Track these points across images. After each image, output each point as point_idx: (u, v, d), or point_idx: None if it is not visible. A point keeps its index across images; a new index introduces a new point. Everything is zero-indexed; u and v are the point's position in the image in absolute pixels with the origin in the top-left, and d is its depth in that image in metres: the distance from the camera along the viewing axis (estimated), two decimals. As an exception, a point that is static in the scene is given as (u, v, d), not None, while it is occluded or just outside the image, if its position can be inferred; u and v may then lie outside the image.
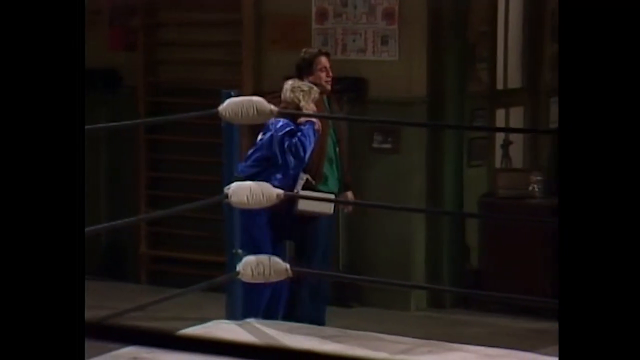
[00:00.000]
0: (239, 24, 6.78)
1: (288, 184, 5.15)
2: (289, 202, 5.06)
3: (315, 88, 5.30)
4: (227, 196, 3.71)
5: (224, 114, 3.66)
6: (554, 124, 7.36)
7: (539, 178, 6.68)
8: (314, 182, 5.34)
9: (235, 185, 3.72)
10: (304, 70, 5.47)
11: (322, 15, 6.63)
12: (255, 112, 3.62)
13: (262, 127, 5.22)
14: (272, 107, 3.64)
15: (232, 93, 3.76)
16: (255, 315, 5.10)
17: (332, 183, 5.51)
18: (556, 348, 6.01)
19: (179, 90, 6.83)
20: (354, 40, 6.55)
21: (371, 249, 6.59)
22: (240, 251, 3.84)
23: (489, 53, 7.23)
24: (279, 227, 5.24)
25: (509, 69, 7.52)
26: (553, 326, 6.07)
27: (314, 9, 6.64)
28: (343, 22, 6.57)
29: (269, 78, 6.70)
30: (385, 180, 6.52)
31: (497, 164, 7.22)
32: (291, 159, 5.10)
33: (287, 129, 5.12)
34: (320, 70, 5.48)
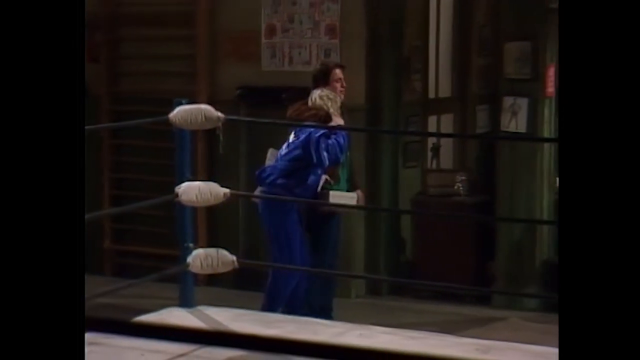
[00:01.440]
0: (194, 38, 6.75)
1: (318, 182, 5.23)
2: (315, 198, 5.19)
3: (338, 97, 5.35)
4: (177, 195, 3.71)
5: (174, 120, 3.66)
6: (480, 130, 7.45)
7: (463, 178, 6.73)
8: (331, 182, 5.40)
9: (185, 185, 3.72)
10: (320, 80, 5.44)
11: (271, 31, 6.63)
12: (203, 118, 3.62)
13: (294, 129, 5.26)
14: (219, 114, 3.64)
15: (183, 102, 3.76)
16: (280, 305, 5.17)
17: (343, 184, 5.56)
18: (477, 331, 6.12)
19: (139, 100, 6.76)
20: (299, 53, 6.55)
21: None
22: (192, 245, 3.83)
23: (421, 65, 7.27)
24: (305, 222, 5.30)
25: (440, 79, 7.56)
26: (476, 310, 6.22)
27: (263, 25, 6.63)
28: (290, 37, 6.57)
29: (222, 88, 6.69)
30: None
31: (429, 166, 7.30)
32: (326, 158, 5.13)
33: (323, 131, 5.13)
34: (336, 81, 5.47)
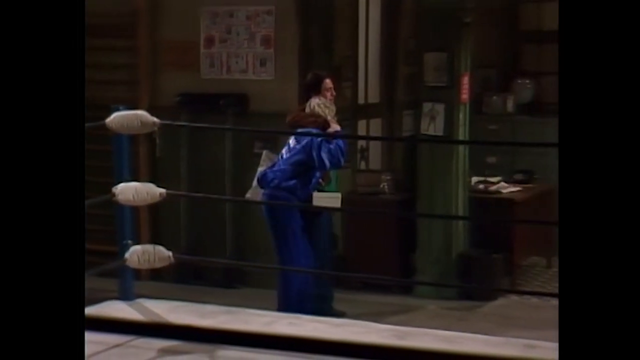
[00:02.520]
0: (136, 49, 6.70)
1: (317, 183, 5.34)
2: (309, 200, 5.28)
3: (333, 105, 5.43)
4: (114, 195, 3.71)
5: (111, 125, 3.66)
6: (405, 133, 7.57)
7: (389, 177, 6.79)
8: (323, 184, 5.48)
9: (122, 185, 3.73)
10: (312, 90, 5.49)
11: (209, 41, 6.62)
12: (139, 123, 3.62)
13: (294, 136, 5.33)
14: (155, 119, 3.64)
15: (120, 108, 3.77)
16: (301, 301, 5.26)
17: (333, 184, 5.64)
18: (398, 318, 6.19)
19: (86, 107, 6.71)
20: (237, 62, 6.55)
21: (254, 238, 6.58)
22: (130, 241, 3.84)
23: (352, 74, 7.36)
24: (304, 220, 5.37)
25: (369, 87, 7.65)
26: (399, 299, 6.32)
27: (202, 36, 6.61)
28: (227, 47, 6.56)
29: (164, 95, 6.66)
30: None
31: (358, 166, 7.39)
32: (329, 161, 5.19)
33: (315, 136, 5.19)
34: (327, 90, 5.50)
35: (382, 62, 7.71)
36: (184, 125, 6.12)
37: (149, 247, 3.76)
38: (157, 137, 4.42)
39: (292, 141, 5.35)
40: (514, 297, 6.33)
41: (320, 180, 5.45)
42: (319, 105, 5.38)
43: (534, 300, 6.23)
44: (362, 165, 7.42)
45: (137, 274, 4.45)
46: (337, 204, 5.56)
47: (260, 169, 5.51)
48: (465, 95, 6.40)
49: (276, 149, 6.64)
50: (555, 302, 6.13)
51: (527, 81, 8.08)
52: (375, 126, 7.74)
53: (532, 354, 3.70)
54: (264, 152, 5.63)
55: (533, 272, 7.03)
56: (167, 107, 6.34)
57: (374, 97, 7.69)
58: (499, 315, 5.91)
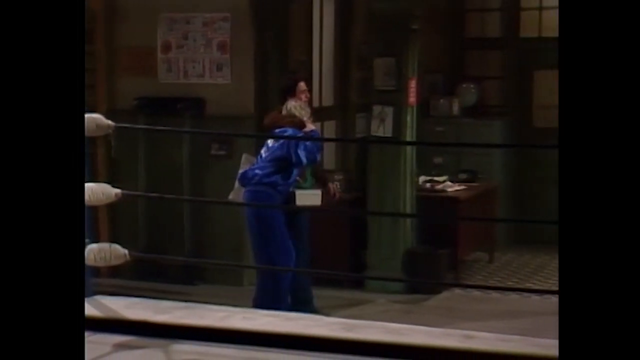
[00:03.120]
0: (94, 54, 6.60)
1: (295, 179, 5.41)
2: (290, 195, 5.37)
3: (308, 107, 5.54)
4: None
5: (67, 128, 3.62)
6: (358, 134, 7.64)
7: (341, 177, 6.83)
8: (301, 181, 5.56)
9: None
10: (288, 92, 5.56)
11: (167, 47, 6.59)
12: (94, 126, 3.59)
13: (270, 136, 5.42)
14: (110, 122, 3.62)
15: (77, 113, 3.74)
16: (282, 297, 5.30)
17: (309, 180, 5.70)
18: (349, 311, 6.23)
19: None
20: (193, 67, 6.53)
21: (211, 237, 6.59)
22: (88, 240, 3.82)
23: (306, 78, 7.40)
24: (286, 217, 5.43)
25: (323, 90, 7.68)
26: (351, 294, 6.37)
27: (159, 42, 6.58)
28: (184, 52, 6.55)
29: (122, 99, 6.64)
30: (222, 181, 6.51)
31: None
32: (304, 158, 5.27)
33: (299, 134, 5.28)
34: (301, 92, 5.59)
35: (335, 67, 7.77)
36: (139, 128, 6.10)
37: (105, 245, 3.73)
38: (113, 139, 4.42)
39: (270, 141, 5.44)
40: (458, 291, 6.43)
41: (297, 177, 5.53)
42: (294, 107, 5.48)
43: (476, 293, 6.34)
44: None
45: (97, 271, 4.43)
46: (317, 201, 5.66)
47: (240, 172, 5.56)
48: (412, 99, 6.48)
49: (232, 151, 6.69)
50: (495, 294, 6.28)
51: (472, 85, 8.21)
52: (330, 128, 7.78)
53: (470, 344, 3.77)
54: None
55: (476, 267, 7.15)
56: (126, 111, 6.32)
57: (328, 100, 7.74)
58: (443, 307, 6.00)
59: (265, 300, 5.31)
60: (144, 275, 6.39)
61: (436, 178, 7.11)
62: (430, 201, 6.60)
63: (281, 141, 5.32)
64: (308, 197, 5.63)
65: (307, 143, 5.31)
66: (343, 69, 7.79)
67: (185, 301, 4.66)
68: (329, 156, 7.77)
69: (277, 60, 6.70)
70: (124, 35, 6.68)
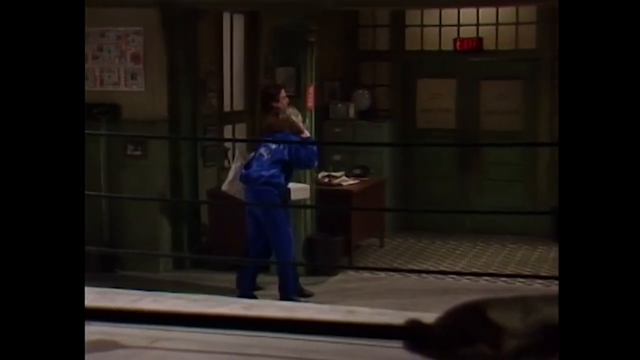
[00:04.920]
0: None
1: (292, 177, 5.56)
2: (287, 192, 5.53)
3: (300, 114, 5.70)
4: None
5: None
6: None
7: (248, 174, 6.89)
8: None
9: None
10: (272, 98, 5.67)
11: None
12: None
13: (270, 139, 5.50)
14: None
15: None
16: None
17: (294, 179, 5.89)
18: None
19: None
20: (109, 76, 6.46)
21: (128, 228, 6.52)
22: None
23: (217, 85, 7.39)
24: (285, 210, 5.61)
25: (234, 96, 7.68)
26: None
27: (77, 53, 6.51)
28: (100, 63, 6.46)
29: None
30: (137, 179, 6.48)
31: (224, 165, 7.42)
32: (302, 161, 5.46)
33: (294, 139, 5.46)
34: (283, 98, 5.69)
35: (245, 75, 7.78)
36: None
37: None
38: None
39: (273, 145, 5.53)
40: (351, 272, 6.56)
41: None
42: (293, 114, 5.62)
43: (367, 274, 6.49)
44: (227, 164, 7.46)
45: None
46: (307, 194, 5.96)
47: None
48: (310, 103, 6.56)
49: (146, 151, 6.62)
50: (382, 275, 6.43)
51: (365, 92, 8.37)
52: (240, 130, 7.80)
53: (351, 318, 3.87)
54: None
55: (368, 251, 7.30)
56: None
57: (238, 105, 7.74)
58: (338, 287, 6.11)
59: (291, 285, 5.55)
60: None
61: (334, 173, 7.22)
62: (328, 194, 6.70)
63: (283, 146, 5.46)
64: (300, 191, 5.87)
65: (308, 147, 5.51)
66: (251, 77, 7.81)
67: (102, 287, 4.61)
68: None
69: (187, 70, 6.68)
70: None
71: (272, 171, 5.44)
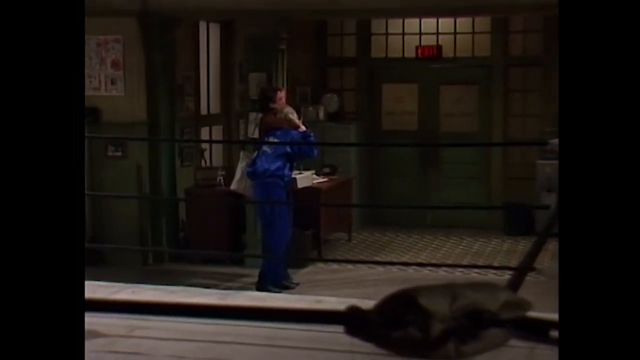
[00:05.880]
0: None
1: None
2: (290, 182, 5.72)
3: (295, 112, 5.85)
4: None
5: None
6: (241, 137, 7.68)
7: (223, 173, 6.90)
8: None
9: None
10: (270, 99, 5.80)
11: (66, 64, 6.46)
12: None
13: (270, 135, 5.63)
14: None
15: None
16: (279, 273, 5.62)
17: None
18: (230, 284, 6.30)
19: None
20: (90, 82, 6.42)
21: (111, 224, 6.50)
22: None
23: (194, 90, 7.39)
24: (287, 198, 5.74)
25: (210, 100, 7.71)
26: (233, 269, 6.44)
27: (59, 59, 6.45)
28: (82, 69, 6.48)
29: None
30: (118, 179, 6.47)
31: (200, 164, 7.42)
32: (304, 153, 5.67)
33: (296, 134, 5.60)
34: (280, 99, 5.82)
35: (221, 80, 7.77)
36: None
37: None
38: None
39: (275, 140, 5.64)
40: (321, 265, 6.61)
41: None
42: (289, 112, 5.72)
43: (335, 266, 6.55)
44: (203, 164, 7.47)
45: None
46: (310, 181, 6.30)
47: (242, 164, 5.83)
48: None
49: (126, 152, 6.60)
50: (349, 267, 6.49)
51: (334, 96, 8.43)
52: (217, 131, 7.81)
53: (318, 306, 3.92)
54: (242, 152, 5.93)
55: (336, 245, 7.35)
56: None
57: (215, 108, 7.74)
58: (308, 279, 6.16)
59: (270, 276, 5.65)
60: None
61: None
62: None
63: (289, 140, 5.64)
64: (305, 179, 6.18)
65: (313, 140, 5.77)
66: (226, 82, 7.84)
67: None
68: (217, 155, 7.79)
69: (165, 76, 6.67)
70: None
71: (277, 165, 5.59)
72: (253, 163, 5.69)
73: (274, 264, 5.69)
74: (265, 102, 5.85)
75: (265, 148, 5.67)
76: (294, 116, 5.75)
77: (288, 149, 5.64)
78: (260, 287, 5.58)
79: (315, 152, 5.84)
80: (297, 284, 5.84)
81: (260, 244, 5.86)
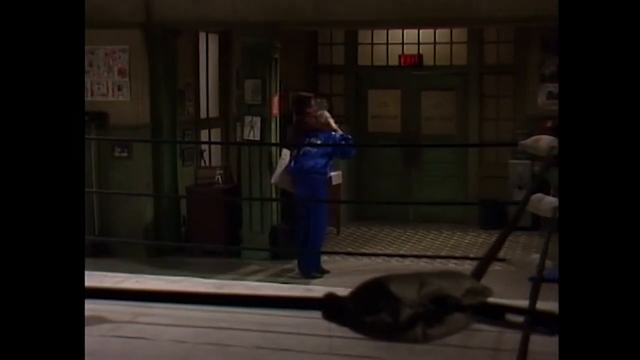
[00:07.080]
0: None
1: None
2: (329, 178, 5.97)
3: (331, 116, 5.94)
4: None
5: None
6: (238, 139, 7.69)
7: (221, 172, 6.92)
8: None
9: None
10: (305, 105, 5.92)
11: (76, 72, 6.47)
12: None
13: (310, 137, 5.75)
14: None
15: None
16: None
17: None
18: (227, 275, 6.35)
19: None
20: (98, 88, 6.45)
21: (117, 220, 6.51)
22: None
23: (194, 95, 7.40)
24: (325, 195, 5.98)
25: (209, 105, 7.72)
26: (230, 261, 6.47)
27: (70, 68, 6.46)
28: (90, 77, 6.45)
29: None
30: (124, 178, 6.49)
31: (200, 164, 7.44)
32: (345, 153, 5.86)
33: (338, 136, 5.74)
34: (313, 105, 5.98)
35: (219, 86, 7.78)
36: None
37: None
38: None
39: (319, 141, 5.73)
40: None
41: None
42: (328, 117, 5.87)
43: (324, 258, 6.57)
44: (203, 163, 7.50)
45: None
46: (340, 179, 6.68)
47: (283, 161, 5.93)
48: (275, 111, 6.61)
49: (131, 153, 6.61)
50: (338, 258, 6.53)
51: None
52: (216, 134, 7.83)
53: (308, 294, 3.96)
54: (283, 151, 6.04)
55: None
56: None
57: (213, 112, 7.76)
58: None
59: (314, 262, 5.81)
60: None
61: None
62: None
63: (328, 141, 5.77)
64: (337, 177, 6.57)
65: (351, 142, 5.91)
66: (224, 88, 7.86)
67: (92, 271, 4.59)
68: (215, 156, 7.81)
69: (167, 83, 6.68)
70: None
71: (322, 163, 5.75)
72: (296, 161, 5.79)
73: (316, 253, 5.76)
74: (301, 106, 5.95)
75: (305, 148, 5.80)
76: (331, 120, 5.88)
77: (330, 150, 5.80)
78: (306, 274, 5.69)
79: (353, 152, 5.98)
80: (328, 272, 5.89)
81: (299, 235, 5.82)
